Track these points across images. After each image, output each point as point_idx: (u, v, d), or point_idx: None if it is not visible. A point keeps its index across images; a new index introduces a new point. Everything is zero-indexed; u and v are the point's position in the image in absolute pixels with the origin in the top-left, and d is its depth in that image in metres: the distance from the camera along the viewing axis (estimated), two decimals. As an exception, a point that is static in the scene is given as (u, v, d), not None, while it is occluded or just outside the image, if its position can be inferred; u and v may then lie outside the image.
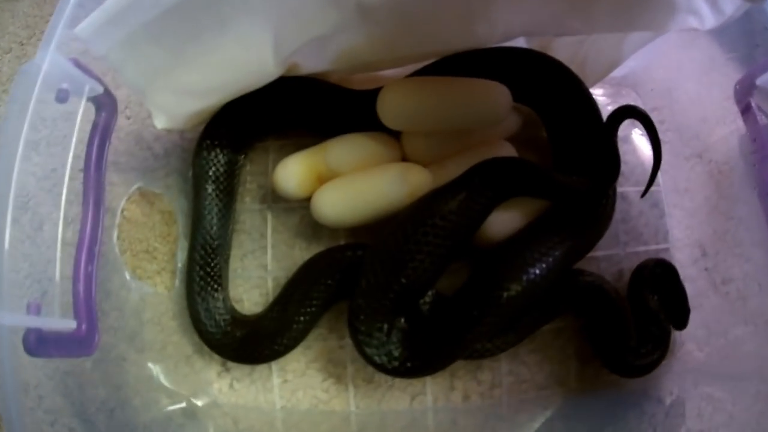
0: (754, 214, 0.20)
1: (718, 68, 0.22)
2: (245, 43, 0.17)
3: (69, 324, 0.16)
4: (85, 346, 0.17)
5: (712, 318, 0.23)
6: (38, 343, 0.16)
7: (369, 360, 0.17)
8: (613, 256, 0.22)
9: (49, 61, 0.17)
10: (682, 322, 0.21)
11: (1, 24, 0.35)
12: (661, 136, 0.25)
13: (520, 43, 0.20)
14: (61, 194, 0.17)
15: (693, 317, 0.24)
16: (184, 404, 0.21)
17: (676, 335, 0.23)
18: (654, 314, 0.21)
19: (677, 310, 0.22)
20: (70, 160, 0.17)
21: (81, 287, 0.17)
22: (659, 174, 0.24)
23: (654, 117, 0.26)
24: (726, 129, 0.23)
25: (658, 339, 0.21)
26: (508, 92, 0.19)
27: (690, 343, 0.23)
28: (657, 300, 0.21)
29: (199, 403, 0.21)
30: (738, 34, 0.21)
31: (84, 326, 0.17)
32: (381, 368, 0.17)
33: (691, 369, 0.23)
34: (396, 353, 0.17)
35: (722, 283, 0.23)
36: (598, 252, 0.22)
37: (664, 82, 0.25)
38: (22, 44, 0.33)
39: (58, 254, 0.17)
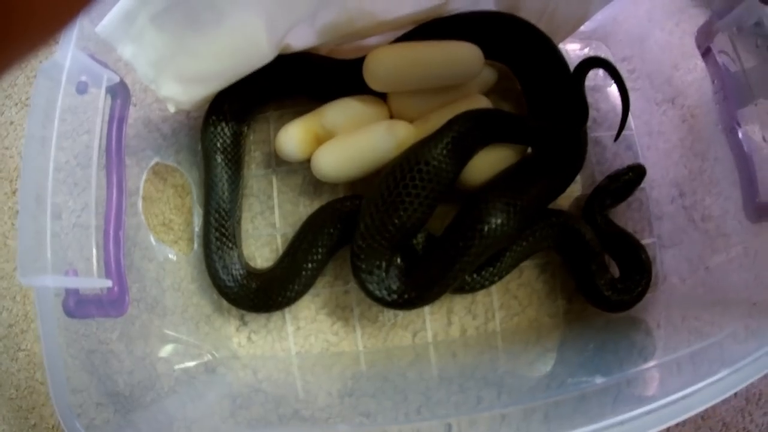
0: (728, 153, 0.24)
1: (687, 16, 0.26)
2: (241, 32, 0.21)
3: (105, 283, 0.20)
4: (118, 305, 0.21)
5: (693, 252, 0.27)
6: (77, 305, 0.19)
7: (370, 295, 0.21)
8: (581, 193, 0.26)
9: (71, 56, 0.21)
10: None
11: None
12: (632, 84, 0.29)
13: (490, 5, 0.24)
14: (91, 174, 0.21)
15: (674, 252, 0.28)
16: (206, 360, 0.25)
17: (659, 270, 0.27)
18: (631, 247, 0.24)
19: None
20: (97, 142, 0.21)
21: (111, 252, 0.21)
22: (632, 118, 0.28)
23: (624, 66, 0.30)
24: (697, 74, 0.26)
25: (639, 273, 0.24)
26: (479, 51, 0.23)
27: (672, 276, 0.27)
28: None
29: (220, 358, 0.25)
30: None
31: (116, 288, 0.21)
32: (382, 302, 0.21)
33: (675, 300, 0.26)
34: (394, 287, 0.21)
35: (701, 220, 0.27)
36: (575, 192, 0.26)
37: (634, 33, 0.29)
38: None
39: (93, 223, 0.21)
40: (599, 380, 0.18)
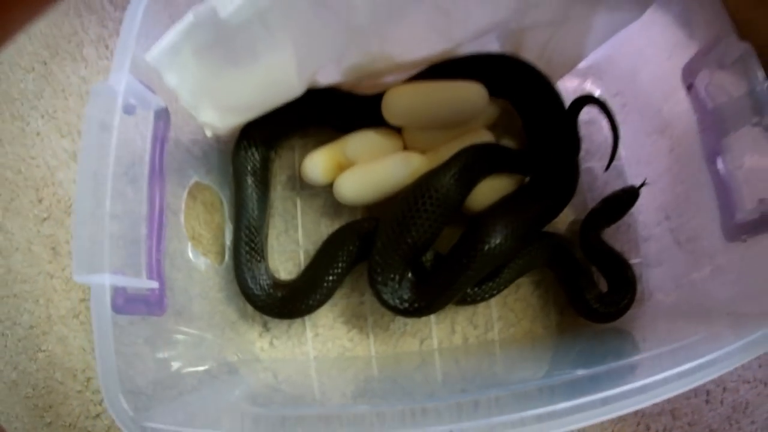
0: (709, 179, 0.29)
1: (678, 51, 0.30)
2: (274, 70, 0.25)
3: (153, 284, 0.24)
4: (159, 305, 0.25)
5: (677, 270, 0.31)
6: (125, 302, 0.23)
7: (385, 303, 0.26)
8: (582, 221, 0.31)
9: (125, 81, 0.24)
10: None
11: (16, 44, 0.44)
12: (623, 117, 0.34)
13: (494, 47, 0.29)
14: (143, 188, 0.25)
15: (659, 270, 0.33)
16: (229, 362, 0.29)
17: (645, 287, 0.32)
18: (617, 264, 0.29)
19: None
20: (147, 159, 0.25)
21: (153, 257, 0.25)
22: (622, 149, 0.33)
23: (617, 100, 0.35)
24: (685, 106, 0.31)
25: (624, 287, 0.29)
26: (484, 90, 0.28)
27: (658, 293, 0.32)
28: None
29: (243, 360, 0.29)
30: (697, 22, 0.29)
31: (157, 289, 0.25)
32: (394, 309, 0.26)
33: (660, 315, 0.31)
34: (405, 297, 0.25)
35: (686, 241, 0.32)
36: (569, 217, 0.31)
37: (627, 69, 0.34)
38: (45, 63, 0.42)
39: (144, 232, 0.24)
40: (583, 371, 0.23)
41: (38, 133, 0.39)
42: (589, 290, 0.28)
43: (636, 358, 0.25)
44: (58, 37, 0.42)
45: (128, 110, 0.25)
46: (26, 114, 0.40)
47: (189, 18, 0.23)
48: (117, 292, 0.22)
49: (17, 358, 0.36)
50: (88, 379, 0.35)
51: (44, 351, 0.36)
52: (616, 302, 0.29)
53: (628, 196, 0.29)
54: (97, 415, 0.35)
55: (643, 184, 0.29)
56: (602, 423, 0.32)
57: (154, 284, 0.24)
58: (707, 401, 0.34)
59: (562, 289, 0.30)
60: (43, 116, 0.39)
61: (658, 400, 0.20)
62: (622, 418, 0.32)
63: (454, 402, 0.23)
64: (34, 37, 0.43)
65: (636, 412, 0.33)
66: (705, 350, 0.22)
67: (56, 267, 0.36)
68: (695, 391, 0.34)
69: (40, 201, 0.37)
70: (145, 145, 0.25)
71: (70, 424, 0.35)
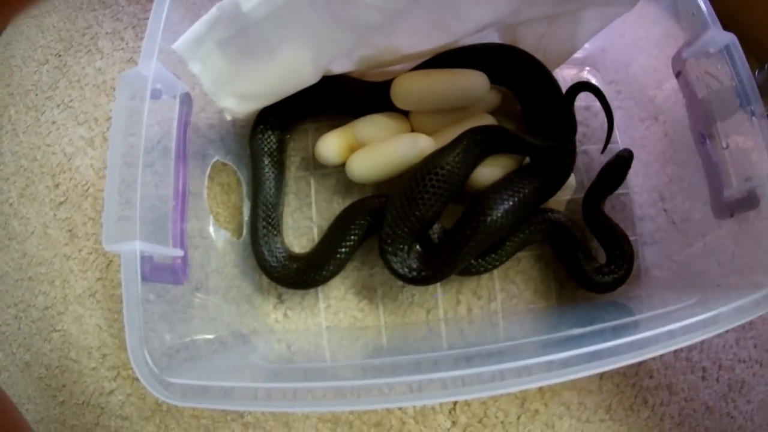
0: (699, 161, 0.34)
1: (672, 41, 0.36)
2: (289, 61, 0.31)
3: (178, 252, 0.29)
4: (183, 273, 0.30)
5: (672, 248, 0.37)
6: (151, 270, 0.28)
7: (394, 272, 0.31)
8: (579, 199, 0.37)
9: (154, 68, 0.29)
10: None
11: (29, 38, 0.50)
12: (618, 103, 0.40)
13: (494, 39, 0.35)
14: (170, 165, 0.30)
15: (654, 249, 0.38)
16: (244, 333, 0.34)
17: (641, 264, 0.37)
18: (616, 237, 0.34)
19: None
20: (173, 139, 0.30)
21: (179, 227, 0.30)
22: (618, 133, 0.39)
23: (612, 88, 0.41)
24: (676, 93, 0.37)
25: (621, 259, 0.34)
26: (486, 78, 0.34)
27: (654, 269, 0.38)
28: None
29: (259, 331, 0.35)
30: (684, 13, 0.35)
31: (182, 257, 0.30)
32: (403, 278, 0.31)
33: (656, 290, 0.37)
34: (414, 266, 0.31)
35: (681, 221, 0.37)
36: (566, 196, 0.36)
37: (621, 59, 0.40)
38: (60, 55, 0.48)
39: (173, 203, 0.29)
40: (577, 330, 0.27)
41: (54, 122, 0.45)
42: (587, 262, 0.34)
43: (629, 319, 0.30)
44: (71, 30, 0.48)
45: (155, 95, 0.30)
46: (41, 104, 0.46)
47: (213, 12, 0.29)
48: (144, 260, 0.26)
49: (31, 339, 0.41)
50: (104, 356, 0.40)
51: (59, 331, 0.41)
52: (613, 272, 0.34)
53: (623, 160, 0.34)
54: (111, 392, 0.40)
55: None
56: (601, 395, 0.37)
57: (180, 252, 0.29)
58: (703, 378, 0.40)
59: (561, 262, 0.35)
60: (58, 106, 0.45)
61: (648, 356, 0.24)
62: (620, 390, 0.38)
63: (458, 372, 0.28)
64: (47, 31, 0.49)
65: (633, 385, 0.38)
66: (694, 313, 0.26)
67: (73, 248, 0.41)
68: (691, 367, 0.39)
69: (56, 186, 0.43)
70: (171, 126, 0.31)
71: (83, 402, 0.40)
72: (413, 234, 0.31)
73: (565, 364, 0.24)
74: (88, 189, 0.42)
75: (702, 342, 0.40)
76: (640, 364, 0.39)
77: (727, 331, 0.41)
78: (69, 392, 0.40)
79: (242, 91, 0.33)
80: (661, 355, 0.39)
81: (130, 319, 0.25)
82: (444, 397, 0.24)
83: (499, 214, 0.31)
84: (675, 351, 0.40)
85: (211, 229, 0.34)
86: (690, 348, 0.40)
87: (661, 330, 0.25)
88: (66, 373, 0.40)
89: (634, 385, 0.38)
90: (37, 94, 0.46)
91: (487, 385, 0.23)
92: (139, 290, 0.25)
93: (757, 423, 0.40)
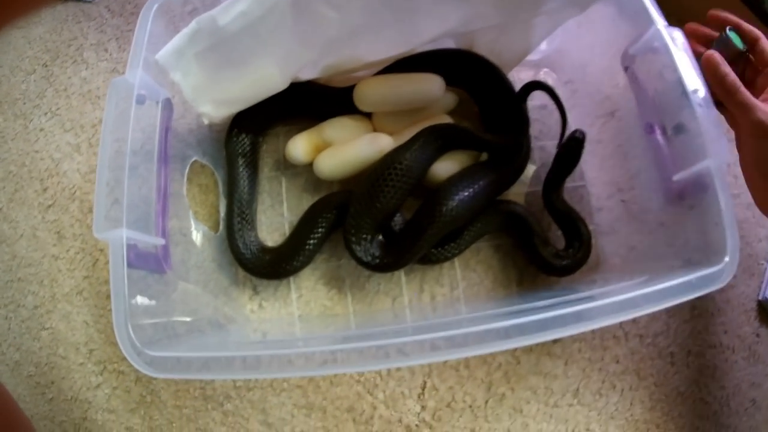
0: (651, 151, 0.39)
1: (619, 42, 0.41)
2: (261, 70, 0.37)
3: (160, 240, 0.34)
4: (165, 261, 0.35)
5: (629, 237, 0.41)
6: (136, 257, 0.33)
7: (358, 260, 0.36)
8: (536, 191, 0.41)
9: (139, 76, 0.35)
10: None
11: (16, 48, 0.56)
12: (574, 102, 0.45)
13: (449, 44, 0.40)
14: (153, 163, 0.35)
15: (612, 238, 0.43)
16: (222, 323, 0.39)
17: (600, 253, 0.42)
18: (573, 221, 0.39)
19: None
20: (156, 140, 0.36)
21: (161, 218, 0.35)
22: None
23: (568, 88, 0.46)
24: (628, 89, 0.41)
25: (579, 243, 0.39)
26: (441, 80, 0.39)
27: (612, 257, 0.42)
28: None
29: (235, 322, 0.39)
30: (631, 13, 0.39)
31: (163, 246, 0.34)
32: (366, 265, 0.36)
33: (614, 277, 0.41)
34: (376, 254, 0.36)
35: (638, 210, 0.42)
36: (524, 189, 0.41)
37: (576, 60, 0.45)
38: (47, 65, 0.54)
39: (155, 198, 0.34)
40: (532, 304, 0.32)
41: (42, 129, 0.51)
42: (545, 247, 0.38)
43: (582, 294, 0.35)
44: (57, 42, 0.54)
45: (140, 100, 0.36)
46: (29, 112, 0.52)
47: (193, 25, 0.35)
48: (130, 248, 0.31)
49: (20, 339, 0.46)
50: (91, 351, 0.45)
51: (48, 329, 0.46)
52: (571, 255, 0.39)
53: (576, 141, 0.39)
54: (98, 386, 0.44)
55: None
56: (567, 379, 0.41)
57: (161, 241, 0.34)
58: (672, 363, 0.44)
59: (521, 250, 0.40)
60: (46, 113, 0.51)
61: (596, 326, 0.29)
62: (586, 375, 0.42)
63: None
64: (34, 42, 0.55)
65: (600, 369, 0.42)
66: (643, 287, 0.30)
67: (61, 249, 0.46)
68: (659, 353, 0.44)
69: (44, 190, 0.48)
70: (154, 129, 0.36)
71: (71, 398, 0.45)
72: (375, 224, 0.36)
73: (521, 330, 0.28)
74: (75, 192, 0.48)
75: (668, 328, 0.45)
76: (605, 349, 0.43)
77: (693, 317, 0.46)
78: (58, 389, 0.45)
79: (219, 97, 0.38)
80: (627, 341, 0.43)
81: (116, 298, 0.30)
82: (409, 360, 0.28)
83: (454, 204, 0.36)
84: (640, 337, 0.44)
85: (192, 226, 0.39)
86: (656, 334, 0.44)
87: (609, 300, 0.29)
88: (54, 369, 0.45)
89: (600, 369, 0.42)
90: (24, 103, 0.52)
91: (450, 351, 0.28)
92: (125, 273, 0.30)
93: (733, 408, 0.44)
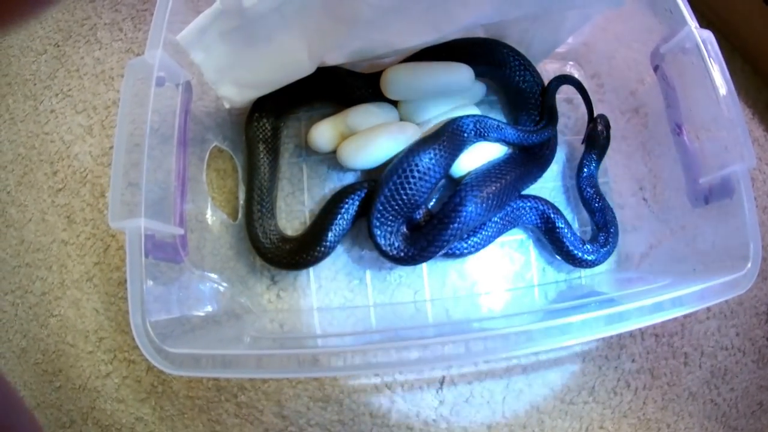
0: (676, 151, 0.38)
1: (654, 37, 0.40)
2: (288, 52, 0.35)
3: (179, 230, 0.33)
4: (183, 250, 0.33)
5: (651, 235, 0.41)
6: (153, 247, 0.32)
7: (381, 251, 0.35)
8: (561, 186, 0.40)
9: (159, 57, 0.33)
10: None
11: (26, 28, 0.54)
12: (600, 96, 0.44)
13: (479, 34, 0.39)
14: (172, 149, 0.34)
15: (634, 236, 0.42)
16: (238, 314, 0.38)
17: (621, 251, 0.41)
18: (603, 213, 0.39)
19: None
20: (175, 124, 0.34)
21: (179, 208, 0.34)
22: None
23: (594, 82, 0.45)
24: (656, 87, 0.41)
25: (606, 235, 0.39)
26: (471, 70, 0.38)
27: (634, 255, 0.41)
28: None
29: (252, 312, 0.38)
30: (662, 11, 0.39)
31: (182, 235, 0.33)
32: (390, 257, 0.35)
33: (636, 277, 0.40)
34: (400, 245, 0.35)
35: (660, 210, 0.41)
36: (549, 183, 0.40)
37: (603, 54, 0.44)
38: (58, 46, 0.52)
39: (174, 184, 0.33)
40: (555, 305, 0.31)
41: (52, 111, 0.49)
42: (570, 240, 0.38)
43: (605, 296, 0.34)
44: (70, 21, 0.52)
45: (159, 82, 0.34)
46: (39, 93, 0.50)
47: (217, 5, 0.33)
48: (147, 238, 0.30)
49: (28, 325, 0.45)
50: (100, 339, 0.43)
51: (56, 316, 0.45)
52: (598, 248, 0.38)
53: (603, 121, 0.38)
54: (107, 375, 0.43)
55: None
56: (584, 377, 0.41)
57: (180, 231, 0.33)
58: (685, 363, 0.43)
59: (546, 243, 0.39)
60: (57, 95, 0.49)
61: (617, 331, 0.28)
62: (602, 373, 0.41)
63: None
64: (45, 22, 0.53)
65: (616, 368, 0.42)
66: (666, 291, 0.30)
67: (71, 234, 0.45)
68: (673, 353, 0.43)
69: (55, 173, 0.47)
70: (173, 113, 0.35)
71: (80, 386, 0.44)
72: (400, 216, 0.35)
73: (544, 334, 0.27)
74: (86, 176, 0.46)
75: (683, 328, 0.44)
76: (622, 347, 0.42)
77: (707, 318, 0.45)
78: (65, 377, 0.44)
79: (241, 80, 0.37)
80: (642, 340, 0.43)
81: (133, 292, 0.29)
82: (430, 365, 0.27)
83: (481, 200, 0.35)
84: (656, 336, 0.44)
85: (209, 212, 0.38)
86: (671, 333, 0.44)
87: (634, 305, 0.29)
88: (62, 357, 0.44)
89: (616, 368, 0.42)
90: (35, 84, 0.50)
91: (472, 352, 0.27)
92: (142, 265, 0.29)
93: (741, 411, 0.44)
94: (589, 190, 0.39)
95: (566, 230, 0.38)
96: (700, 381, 0.44)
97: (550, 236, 0.39)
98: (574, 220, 0.42)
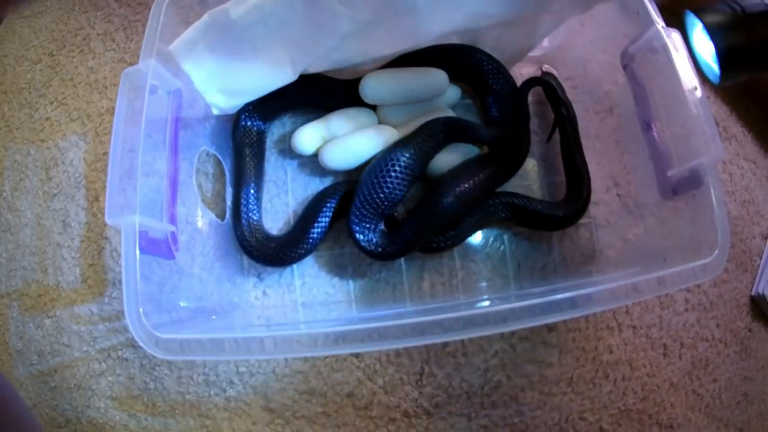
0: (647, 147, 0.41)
1: (620, 41, 0.43)
2: (272, 63, 0.38)
3: (170, 227, 0.36)
4: (173, 249, 0.36)
5: (624, 229, 0.44)
6: (146, 244, 0.35)
7: (361, 248, 0.38)
8: (536, 183, 0.43)
9: (152, 66, 0.36)
10: None
11: (21, 38, 0.57)
12: (574, 97, 0.47)
13: (454, 40, 0.43)
14: (164, 152, 0.37)
15: (608, 231, 0.45)
16: (227, 311, 0.41)
17: (595, 246, 0.44)
18: (580, 177, 0.41)
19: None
20: (167, 129, 0.37)
21: (171, 206, 0.37)
22: (573, 125, 0.46)
23: (568, 84, 0.48)
24: (627, 87, 0.43)
25: (578, 195, 0.41)
26: (445, 75, 0.41)
27: (607, 250, 0.44)
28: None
29: (240, 308, 0.41)
30: (632, 13, 0.42)
31: (173, 233, 0.36)
32: (369, 253, 0.38)
33: (609, 269, 0.43)
34: (378, 242, 0.38)
35: (634, 205, 0.44)
36: (524, 181, 0.43)
37: (579, 56, 0.47)
38: (53, 55, 0.55)
39: (166, 185, 0.36)
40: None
41: (47, 119, 0.52)
42: (542, 206, 0.41)
43: (579, 281, 0.37)
44: (64, 31, 0.56)
45: (152, 90, 0.38)
46: (34, 102, 0.53)
47: (205, 18, 0.37)
48: (141, 234, 0.33)
49: (23, 327, 0.48)
50: (94, 339, 0.46)
51: (52, 317, 0.47)
52: (570, 206, 0.41)
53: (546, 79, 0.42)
54: (101, 373, 0.46)
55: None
56: (562, 368, 0.43)
57: (172, 227, 0.36)
58: (665, 354, 0.46)
59: (522, 223, 0.42)
60: (52, 103, 0.53)
61: (588, 311, 0.31)
62: (580, 364, 0.44)
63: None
64: (40, 32, 0.57)
65: (593, 359, 0.44)
66: (635, 276, 0.32)
67: (66, 237, 0.48)
68: (652, 344, 0.46)
69: (50, 179, 0.50)
70: (166, 119, 0.38)
71: (74, 386, 0.46)
72: (378, 214, 0.38)
73: (517, 315, 0.30)
74: (81, 181, 0.49)
75: (661, 320, 0.47)
76: (599, 339, 0.45)
77: (686, 310, 0.48)
78: (61, 377, 0.46)
79: (229, 88, 0.40)
80: (620, 332, 0.45)
81: (128, 282, 0.31)
82: (410, 341, 0.31)
83: (455, 196, 0.38)
84: (634, 328, 0.46)
85: (198, 213, 0.41)
86: (649, 325, 0.47)
87: (599, 288, 0.31)
88: (57, 357, 0.47)
89: (594, 359, 0.45)
90: (30, 92, 0.54)
91: (449, 333, 0.30)
92: (137, 257, 0.32)
93: (725, 402, 0.46)
94: (572, 157, 0.43)
95: (532, 201, 0.41)
96: (681, 372, 0.46)
97: (520, 217, 0.41)
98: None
